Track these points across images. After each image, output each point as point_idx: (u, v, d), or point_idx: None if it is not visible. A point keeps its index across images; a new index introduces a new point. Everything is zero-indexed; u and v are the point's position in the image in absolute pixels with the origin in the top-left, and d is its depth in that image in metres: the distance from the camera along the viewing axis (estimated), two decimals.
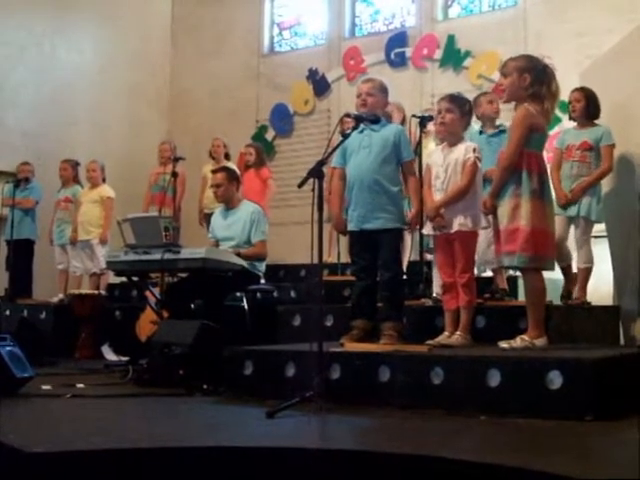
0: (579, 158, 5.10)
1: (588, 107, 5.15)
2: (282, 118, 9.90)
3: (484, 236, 4.80)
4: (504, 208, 4.02)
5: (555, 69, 4.08)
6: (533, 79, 3.99)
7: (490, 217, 4.36)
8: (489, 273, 5.44)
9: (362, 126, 4.44)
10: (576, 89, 5.21)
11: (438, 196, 4.39)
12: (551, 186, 4.26)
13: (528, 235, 3.91)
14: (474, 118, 5.05)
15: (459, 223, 4.30)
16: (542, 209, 3.98)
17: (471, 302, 4.33)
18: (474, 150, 4.36)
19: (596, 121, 5.18)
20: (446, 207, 4.33)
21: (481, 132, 5.32)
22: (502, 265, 4.12)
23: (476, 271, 5.38)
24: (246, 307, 5.58)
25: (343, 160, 4.59)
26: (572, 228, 5.16)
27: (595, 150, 5.08)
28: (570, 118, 5.34)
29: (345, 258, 6.58)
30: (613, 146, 5.06)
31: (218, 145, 8.05)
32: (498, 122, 5.36)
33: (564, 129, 5.56)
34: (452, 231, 4.32)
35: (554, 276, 4.87)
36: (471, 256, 4.43)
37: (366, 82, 4.63)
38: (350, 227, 4.55)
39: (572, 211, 5.06)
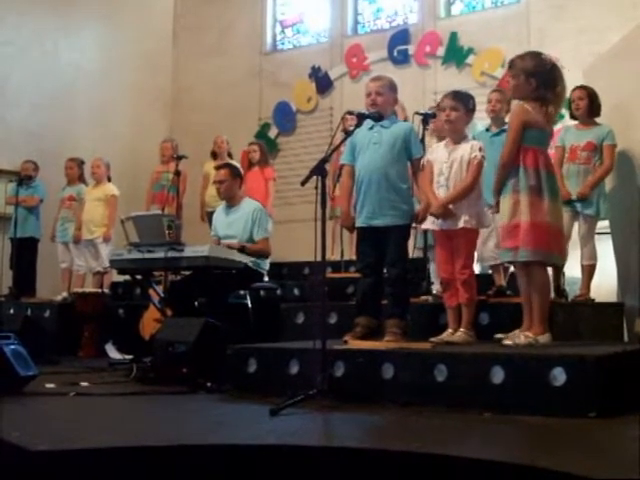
0: (584, 160, 5.14)
1: (591, 105, 5.16)
2: (285, 116, 9.90)
3: (480, 234, 4.80)
4: (505, 205, 4.04)
5: (563, 67, 4.07)
6: (539, 84, 3.98)
7: (493, 215, 4.37)
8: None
9: (371, 123, 4.42)
10: (578, 87, 5.20)
11: (441, 192, 4.37)
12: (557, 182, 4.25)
13: (528, 229, 3.91)
14: (479, 116, 5.01)
15: (464, 220, 4.30)
16: (540, 204, 3.95)
17: (471, 299, 4.33)
18: (480, 149, 4.36)
19: (597, 120, 5.19)
20: (452, 204, 4.32)
21: (487, 130, 5.29)
22: (502, 261, 4.10)
23: (480, 268, 5.39)
24: (249, 305, 5.58)
25: (352, 157, 4.57)
26: (575, 227, 5.16)
27: (599, 149, 5.11)
28: (572, 116, 5.34)
29: (348, 255, 6.58)
30: (615, 146, 5.09)
31: (222, 141, 8.03)
32: (507, 119, 5.34)
33: (565, 127, 5.54)
34: (457, 228, 4.32)
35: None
36: (471, 253, 4.43)
37: (375, 80, 4.56)
38: (358, 223, 4.51)
39: (577, 207, 5.07)
